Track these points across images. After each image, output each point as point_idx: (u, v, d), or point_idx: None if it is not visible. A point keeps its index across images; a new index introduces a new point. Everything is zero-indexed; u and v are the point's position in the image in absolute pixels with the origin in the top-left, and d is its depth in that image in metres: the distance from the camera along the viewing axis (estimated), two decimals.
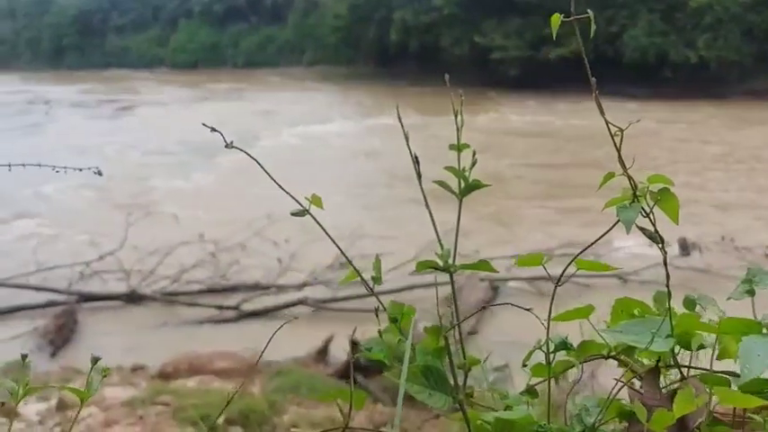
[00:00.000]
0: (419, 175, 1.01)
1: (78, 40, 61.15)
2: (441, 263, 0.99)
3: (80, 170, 1.19)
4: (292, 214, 1.00)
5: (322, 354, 6.41)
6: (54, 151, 18.99)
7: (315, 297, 8.77)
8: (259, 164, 1.02)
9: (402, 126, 1.03)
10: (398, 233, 10.54)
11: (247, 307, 8.64)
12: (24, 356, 0.98)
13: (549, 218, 12.79)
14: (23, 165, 1.12)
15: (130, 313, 8.67)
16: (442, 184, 1.01)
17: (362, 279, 1.02)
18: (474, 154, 1.02)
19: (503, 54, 36.11)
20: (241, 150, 1.01)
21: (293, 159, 16.27)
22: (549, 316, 1.00)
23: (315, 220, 1.01)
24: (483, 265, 1.01)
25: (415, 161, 1.01)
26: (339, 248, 1.05)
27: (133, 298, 8.87)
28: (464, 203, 1.01)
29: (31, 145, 20.39)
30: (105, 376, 0.98)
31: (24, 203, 13.32)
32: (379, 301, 1.03)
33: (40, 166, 1.17)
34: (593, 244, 1.05)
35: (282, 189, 0.99)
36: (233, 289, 9.09)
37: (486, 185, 1.01)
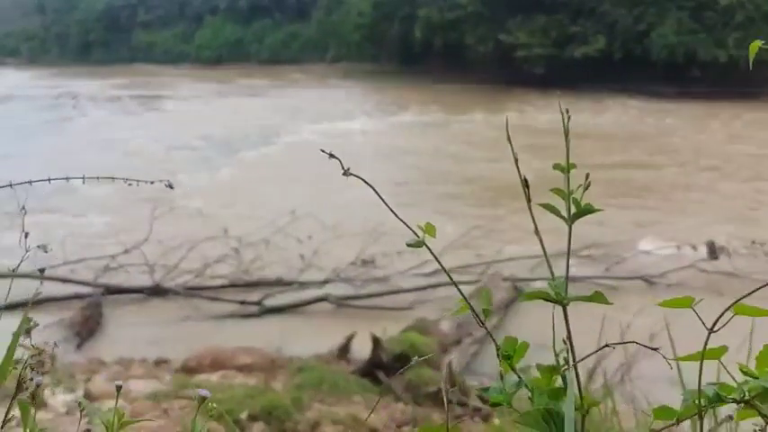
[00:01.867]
0: (528, 200, 0.93)
1: (105, 35, 61.98)
2: (552, 293, 0.92)
3: (151, 183, 1.22)
4: (408, 245, 0.92)
5: (344, 351, 6.42)
6: (83, 147, 19.27)
7: (337, 294, 8.79)
8: (372, 187, 0.94)
9: (511, 144, 0.93)
10: (421, 231, 10.49)
11: (270, 303, 8.69)
12: (119, 387, 0.97)
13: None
14: (97, 177, 1.15)
15: (155, 307, 8.76)
16: (549, 207, 0.93)
17: (473, 310, 0.93)
18: (587, 176, 0.92)
19: (527, 52, 35.86)
20: (359, 178, 0.92)
21: (316, 156, 16.25)
22: (701, 365, 0.91)
23: (430, 251, 0.93)
24: (597, 296, 0.95)
25: (525, 184, 0.93)
26: (448, 275, 0.97)
27: (157, 291, 8.97)
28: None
29: (61, 140, 20.69)
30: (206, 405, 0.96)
31: (52, 196, 13.52)
32: (489, 333, 0.96)
33: (113, 179, 1.20)
34: (761, 287, 0.90)
35: (398, 217, 0.90)
36: (255, 284, 9.14)
37: (599, 210, 0.93)
